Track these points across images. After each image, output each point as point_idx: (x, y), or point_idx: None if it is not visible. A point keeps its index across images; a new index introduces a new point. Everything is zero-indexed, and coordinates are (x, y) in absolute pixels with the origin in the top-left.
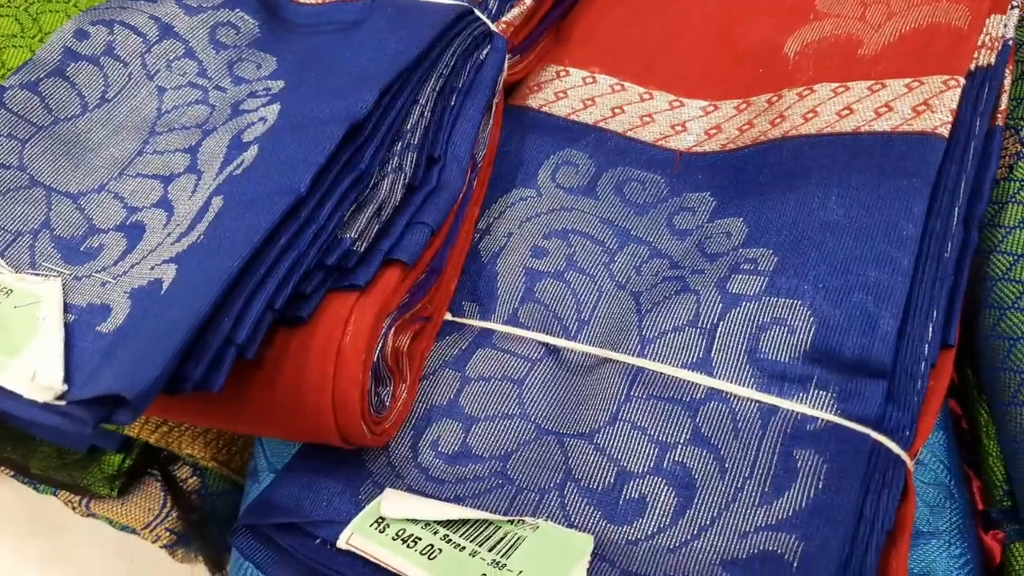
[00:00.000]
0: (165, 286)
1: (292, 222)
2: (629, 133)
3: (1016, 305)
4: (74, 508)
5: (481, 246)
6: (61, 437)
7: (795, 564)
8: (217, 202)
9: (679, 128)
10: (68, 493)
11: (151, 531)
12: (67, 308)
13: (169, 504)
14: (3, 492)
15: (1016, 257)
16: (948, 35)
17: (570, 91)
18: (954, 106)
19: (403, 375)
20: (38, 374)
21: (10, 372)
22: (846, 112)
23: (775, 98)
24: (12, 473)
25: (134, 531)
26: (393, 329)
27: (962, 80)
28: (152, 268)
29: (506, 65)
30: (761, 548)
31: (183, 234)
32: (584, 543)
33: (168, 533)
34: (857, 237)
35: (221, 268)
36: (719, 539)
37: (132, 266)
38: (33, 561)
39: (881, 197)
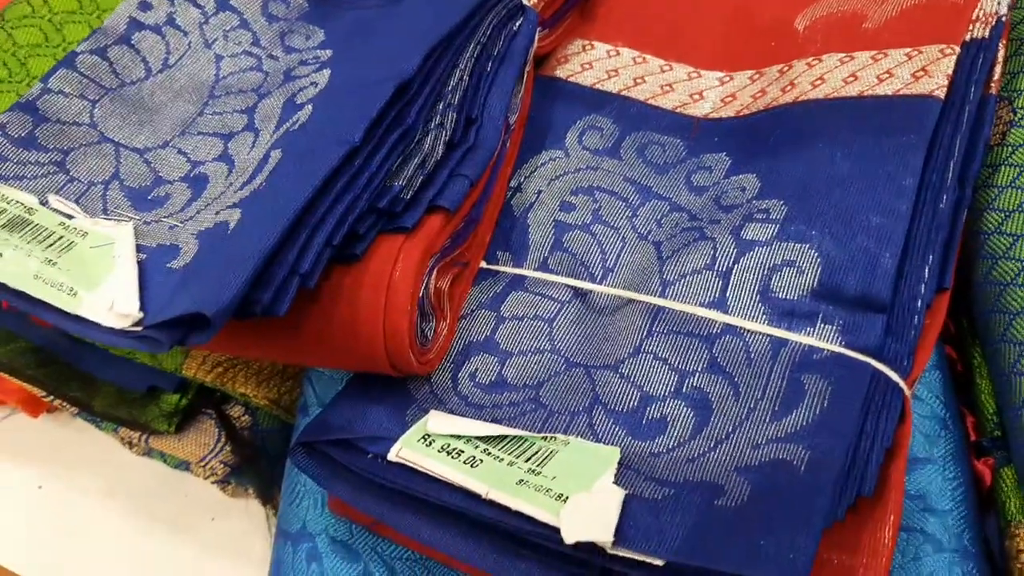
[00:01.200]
0: (231, 227)
1: (347, 169)
2: (650, 101)
3: (1007, 255)
4: (132, 446)
5: (513, 201)
6: (123, 376)
7: (802, 469)
8: (276, 155)
9: (696, 97)
10: (128, 431)
11: (205, 465)
12: (138, 248)
13: (223, 440)
14: (67, 433)
15: (1007, 213)
16: (945, 9)
17: (595, 63)
18: (950, 72)
19: (444, 313)
20: (116, 303)
21: (90, 304)
22: (851, 79)
23: (786, 68)
24: (77, 411)
25: (187, 468)
26: (436, 271)
27: (957, 49)
28: (217, 213)
29: (536, 37)
30: (772, 456)
31: (245, 183)
32: (611, 453)
33: (222, 466)
34: (861, 188)
35: (286, 207)
36: (734, 450)
37: (198, 211)
38: (93, 495)
39: (882, 152)
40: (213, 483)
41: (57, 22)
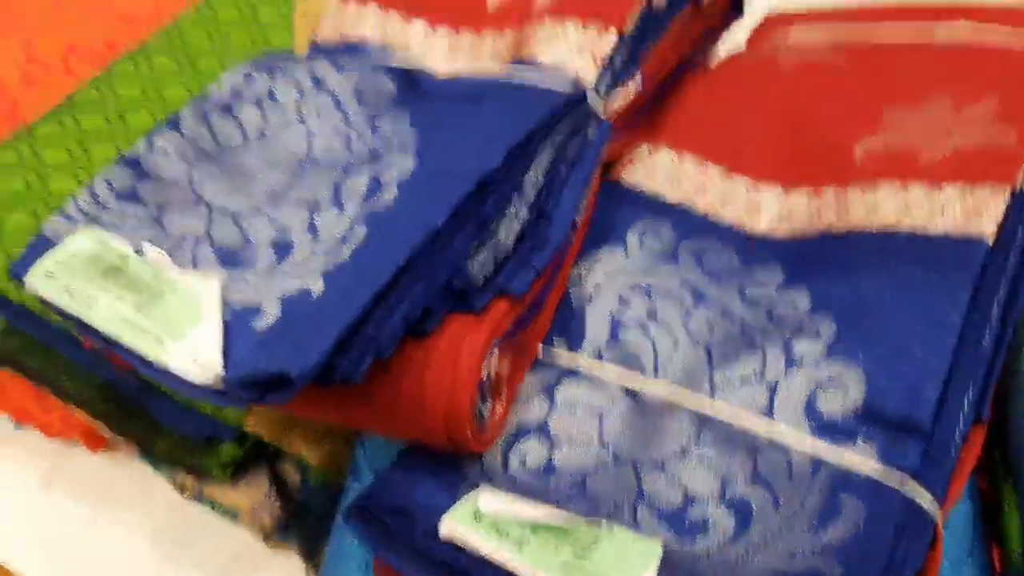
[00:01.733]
0: (314, 295)
1: (427, 251)
2: (709, 211)
3: None
4: (184, 490)
5: (573, 292)
6: (185, 423)
7: None
8: (360, 231)
9: (754, 211)
10: (182, 476)
11: (254, 516)
12: (223, 305)
13: (273, 493)
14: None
15: None
16: (1001, 153)
17: (659, 168)
18: (1000, 215)
19: (501, 395)
20: (199, 356)
21: (174, 354)
22: (904, 212)
23: (842, 192)
24: (139, 451)
25: (234, 516)
26: (498, 353)
27: (1008, 194)
28: (301, 279)
29: (607, 144)
30: (809, 567)
31: (328, 254)
32: (655, 547)
33: (269, 519)
34: (909, 318)
35: (370, 281)
36: (771, 557)
37: (283, 276)
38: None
39: (931, 287)
40: (258, 534)
41: (120, 109)
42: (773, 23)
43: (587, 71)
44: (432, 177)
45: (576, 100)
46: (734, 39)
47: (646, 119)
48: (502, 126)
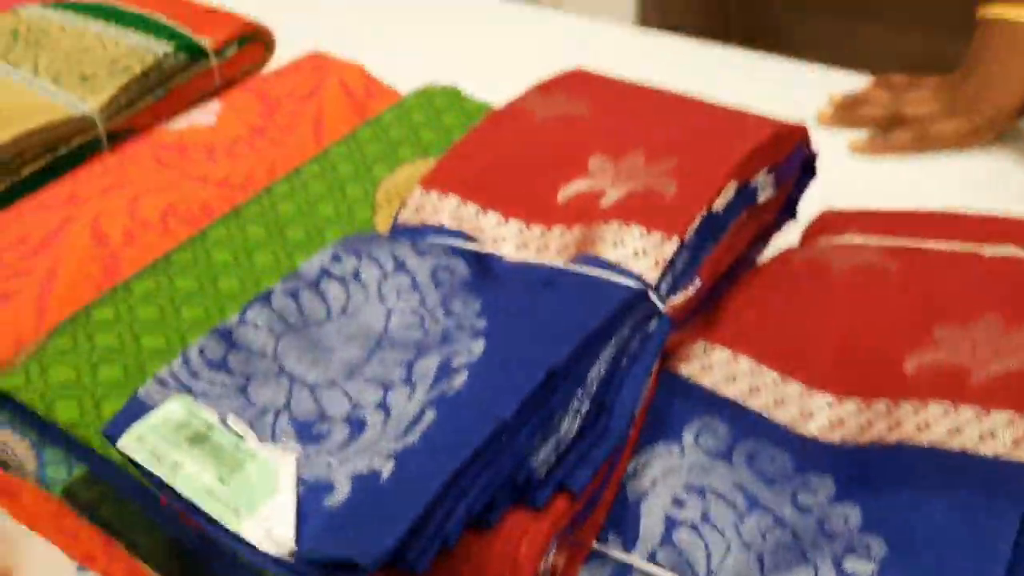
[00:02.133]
0: (384, 477)
1: (495, 443)
2: (764, 412)
3: None
4: None
5: (629, 487)
6: None
7: None
8: (430, 415)
9: (807, 415)
10: None
11: None
12: (298, 480)
13: None
14: None
15: None
16: None
17: (715, 366)
18: None
19: None
20: (273, 530)
21: (250, 526)
22: (955, 431)
23: (893, 406)
24: None
25: None
26: (554, 548)
27: None
28: (372, 459)
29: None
30: None
31: (399, 436)
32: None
33: None
34: (957, 543)
35: (439, 470)
36: None
37: (355, 454)
38: None
39: (980, 513)
40: None
41: (212, 273)
42: (828, 221)
43: (650, 273)
44: (501, 365)
45: (639, 297)
46: (787, 237)
47: (702, 314)
48: (571, 318)
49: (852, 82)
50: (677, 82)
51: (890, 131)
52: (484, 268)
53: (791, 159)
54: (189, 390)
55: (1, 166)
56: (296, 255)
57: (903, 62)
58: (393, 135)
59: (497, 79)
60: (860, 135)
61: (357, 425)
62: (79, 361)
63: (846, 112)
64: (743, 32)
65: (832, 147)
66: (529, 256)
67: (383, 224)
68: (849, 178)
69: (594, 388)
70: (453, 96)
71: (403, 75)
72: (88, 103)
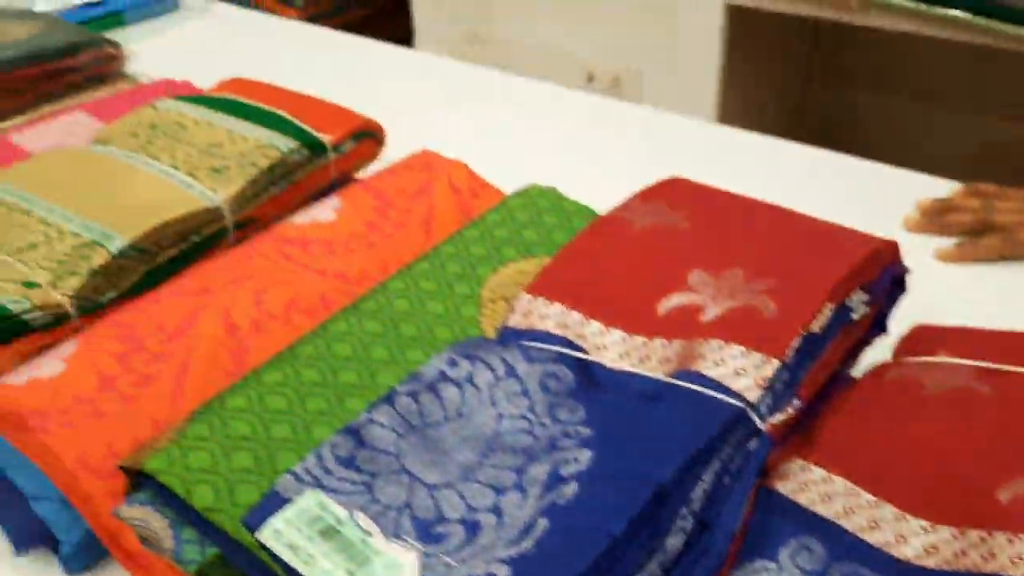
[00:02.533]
0: None
1: (606, 557)
2: (859, 533)
3: None
4: None
5: None
6: None
7: None
8: (543, 523)
9: (901, 539)
10: None
11: None
12: None
13: None
14: None
15: None
16: None
17: (811, 484)
18: None
19: None
20: None
21: None
22: None
23: (987, 536)
24: None
25: None
26: None
27: None
28: (488, 563)
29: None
30: None
31: (512, 541)
32: None
33: None
34: None
35: None
36: None
37: (470, 557)
38: None
39: None
40: None
41: (334, 367)
42: (922, 336)
43: (750, 392)
44: (610, 478)
45: (742, 416)
46: (878, 353)
47: (799, 432)
48: (677, 435)
49: (928, 182)
50: (758, 180)
51: (979, 237)
52: (588, 376)
53: (883, 276)
54: (321, 485)
55: (143, 253)
56: (408, 350)
57: (980, 150)
58: (498, 235)
59: (585, 174)
60: (946, 242)
61: (473, 528)
62: (215, 448)
63: (935, 218)
64: (820, 122)
65: (916, 250)
66: (630, 365)
67: (488, 322)
68: (934, 285)
69: (697, 506)
70: (553, 196)
71: (495, 166)
72: (219, 195)
